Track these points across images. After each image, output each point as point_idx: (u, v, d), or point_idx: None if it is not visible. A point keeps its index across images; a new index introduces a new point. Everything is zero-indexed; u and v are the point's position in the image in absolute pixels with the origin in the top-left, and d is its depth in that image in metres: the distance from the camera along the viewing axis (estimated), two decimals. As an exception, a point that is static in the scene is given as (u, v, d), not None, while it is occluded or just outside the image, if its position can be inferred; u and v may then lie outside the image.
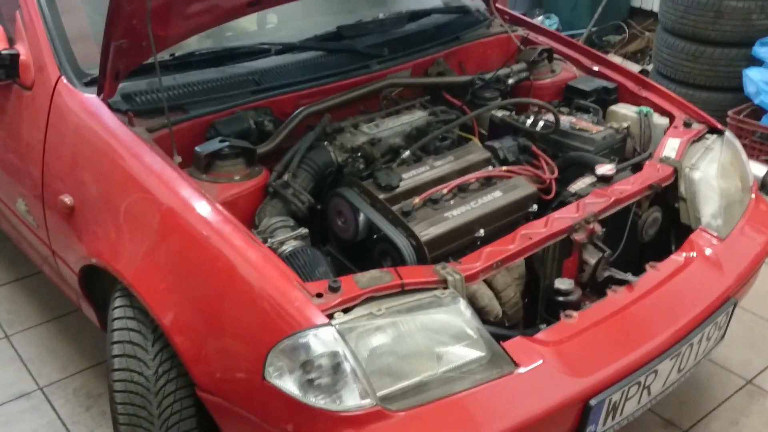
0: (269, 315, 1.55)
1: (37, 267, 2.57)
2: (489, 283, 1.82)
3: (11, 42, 2.16)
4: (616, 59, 4.97)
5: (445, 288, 1.66)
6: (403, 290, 1.62)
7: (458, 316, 1.63)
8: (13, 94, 2.18)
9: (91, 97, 1.99)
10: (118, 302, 1.83)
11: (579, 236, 1.90)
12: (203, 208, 1.70)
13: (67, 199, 1.95)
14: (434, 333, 1.60)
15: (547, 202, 2.12)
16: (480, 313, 1.78)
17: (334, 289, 1.56)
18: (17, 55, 2.11)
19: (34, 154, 2.09)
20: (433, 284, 1.66)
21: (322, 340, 1.49)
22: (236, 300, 1.60)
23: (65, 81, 2.03)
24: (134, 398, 1.75)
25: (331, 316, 1.53)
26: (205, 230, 1.66)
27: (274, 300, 1.54)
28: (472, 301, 1.76)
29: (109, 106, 1.96)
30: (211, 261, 1.64)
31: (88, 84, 2.03)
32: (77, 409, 2.38)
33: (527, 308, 1.95)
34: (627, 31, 5.26)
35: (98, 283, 2.03)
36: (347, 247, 1.97)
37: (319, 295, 1.55)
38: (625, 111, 2.46)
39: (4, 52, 2.09)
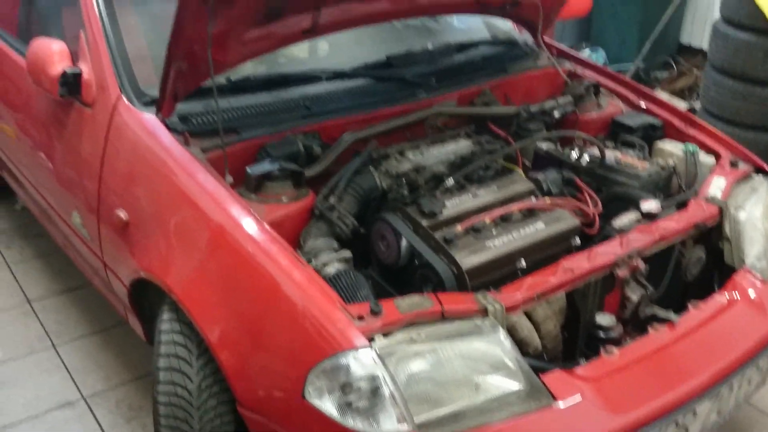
0: (311, 335, 1.58)
1: (87, 279, 2.65)
2: (529, 315, 1.83)
3: (74, 60, 2.25)
4: (664, 95, 4.96)
5: (485, 317, 1.68)
6: (443, 317, 1.64)
7: (497, 345, 1.64)
8: (74, 110, 2.27)
9: (149, 117, 2.06)
10: (166, 316, 1.88)
11: (622, 272, 1.90)
12: (251, 227, 1.74)
13: (122, 214, 2.02)
14: (473, 361, 1.61)
15: (590, 236, 2.13)
16: (519, 345, 1.78)
17: (375, 313, 1.59)
18: (80, 74, 2.20)
19: (92, 169, 2.17)
20: (473, 313, 1.68)
21: (362, 362, 1.52)
22: (280, 318, 1.64)
23: (125, 100, 2.11)
24: (177, 411, 1.80)
25: (371, 339, 1.55)
26: (252, 248, 1.71)
27: (316, 320, 1.58)
28: (512, 332, 1.77)
29: (167, 126, 2.03)
30: (257, 279, 1.68)
31: (147, 104, 2.11)
32: (119, 420, 2.43)
33: (567, 342, 1.95)
34: (675, 67, 5.24)
35: (146, 297, 2.09)
36: (389, 271, 1.99)
37: (361, 318, 1.58)
38: (671, 148, 2.46)
39: (68, 70, 2.18)
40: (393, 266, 1.96)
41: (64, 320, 2.89)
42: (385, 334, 1.57)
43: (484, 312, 1.68)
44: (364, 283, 1.77)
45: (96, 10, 2.24)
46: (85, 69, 2.21)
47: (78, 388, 2.56)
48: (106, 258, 2.20)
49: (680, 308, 1.97)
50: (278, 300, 1.65)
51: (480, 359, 1.62)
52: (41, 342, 2.78)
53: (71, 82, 2.19)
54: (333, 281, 1.73)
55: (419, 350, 1.57)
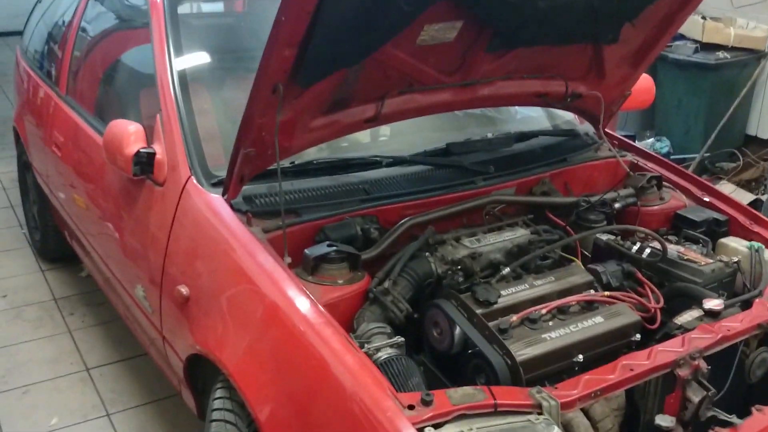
0: (360, 421, 1.56)
1: (144, 349, 2.70)
2: (586, 412, 1.77)
3: (149, 141, 2.37)
4: (729, 187, 4.87)
5: (540, 413, 1.64)
6: (496, 411, 1.61)
7: (551, 443, 1.59)
8: (146, 188, 2.38)
9: (215, 197, 2.14)
10: (218, 393, 1.90)
11: (683, 372, 1.84)
12: (306, 307, 1.77)
13: (184, 290, 2.08)
14: (523, 459, 1.56)
15: (650, 332, 2.07)
16: None
17: (426, 403, 1.57)
18: (153, 154, 2.31)
19: (159, 245, 2.25)
20: (528, 408, 1.64)
21: (411, 453, 1.49)
22: (329, 402, 1.64)
23: (194, 181, 2.20)
24: (225, 491, 1.79)
25: (421, 430, 1.53)
26: (305, 329, 1.73)
27: (366, 406, 1.56)
28: (568, 430, 1.72)
29: (231, 206, 2.10)
30: (309, 360, 1.69)
31: (214, 185, 2.19)
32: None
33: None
34: (741, 158, 5.16)
35: (201, 373, 2.12)
36: (441, 359, 1.97)
37: (411, 407, 1.56)
38: (736, 245, 2.40)
39: (142, 150, 2.29)
40: (446, 354, 1.94)
41: (119, 389, 2.94)
42: (436, 426, 1.55)
43: (539, 408, 1.64)
44: (416, 371, 1.75)
45: (172, 93, 2.37)
46: (159, 150, 2.32)
47: (128, 460, 2.58)
48: (165, 331, 2.25)
49: (743, 412, 1.88)
50: (329, 383, 1.65)
51: (532, 457, 1.57)
52: (96, 410, 2.83)
53: (144, 162, 2.30)
54: (384, 367, 1.73)
55: (470, 445, 1.54)
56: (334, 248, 2.00)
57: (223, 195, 2.11)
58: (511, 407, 1.62)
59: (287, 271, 1.88)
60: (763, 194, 4.70)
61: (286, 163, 2.24)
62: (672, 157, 5.16)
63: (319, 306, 1.79)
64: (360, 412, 1.57)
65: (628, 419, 1.88)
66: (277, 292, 1.83)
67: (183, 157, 2.25)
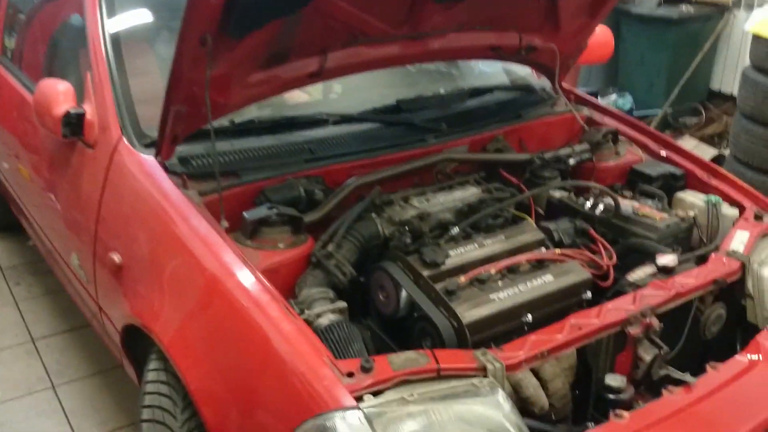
0: (297, 392, 1.49)
1: (87, 320, 2.61)
2: (536, 373, 1.73)
3: (79, 101, 2.24)
4: (692, 142, 4.85)
5: (485, 376, 1.58)
6: (439, 375, 1.55)
7: (496, 408, 1.53)
8: (77, 151, 2.25)
9: (148, 159, 2.03)
10: (152, 365, 1.81)
11: (634, 330, 1.79)
12: (242, 275, 1.68)
13: (116, 257, 1.97)
14: (469, 425, 1.50)
15: (603, 289, 2.02)
16: (524, 404, 1.69)
17: (366, 370, 1.50)
18: (83, 114, 2.18)
19: (91, 211, 2.13)
20: (472, 371, 1.58)
21: (348, 423, 1.42)
22: (266, 373, 1.56)
23: (126, 141, 2.09)
24: (160, 466, 1.72)
25: (360, 399, 1.46)
26: (240, 297, 1.64)
27: (303, 376, 1.49)
28: (516, 390, 1.67)
29: (165, 168, 1.99)
30: (244, 329, 1.61)
31: (147, 145, 2.08)
32: (112, 467, 2.36)
33: (578, 401, 1.83)
34: (704, 113, 5.13)
35: (138, 343, 2.03)
36: (389, 323, 1.90)
37: (350, 375, 1.49)
38: (693, 199, 2.35)
39: (72, 110, 2.16)
40: (392, 318, 1.87)
41: (65, 360, 2.85)
42: (376, 393, 1.48)
43: (484, 371, 1.58)
44: (359, 337, 1.68)
45: (103, 50, 2.23)
46: (89, 110, 2.20)
47: (73, 432, 2.50)
48: (101, 301, 2.15)
49: (699, 370, 1.84)
50: (265, 353, 1.57)
51: (477, 422, 1.51)
52: (41, 382, 2.73)
53: (74, 123, 2.18)
54: (324, 334, 1.65)
55: (411, 411, 1.47)
56: (275, 211, 1.91)
57: (156, 156, 2.00)
58: (454, 371, 1.56)
59: (223, 236, 1.78)
60: (725, 149, 4.67)
61: (224, 121, 2.13)
62: (635, 113, 5.11)
63: (256, 271, 1.70)
64: (297, 382, 1.50)
65: (581, 379, 1.83)
66: (212, 258, 1.73)
67: (114, 117, 2.12)
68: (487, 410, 1.53)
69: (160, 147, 1.97)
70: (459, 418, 1.50)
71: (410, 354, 1.57)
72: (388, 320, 1.90)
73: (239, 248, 1.79)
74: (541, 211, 2.35)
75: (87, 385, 2.72)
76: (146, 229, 1.94)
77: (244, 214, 1.91)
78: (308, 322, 1.67)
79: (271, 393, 1.53)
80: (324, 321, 1.70)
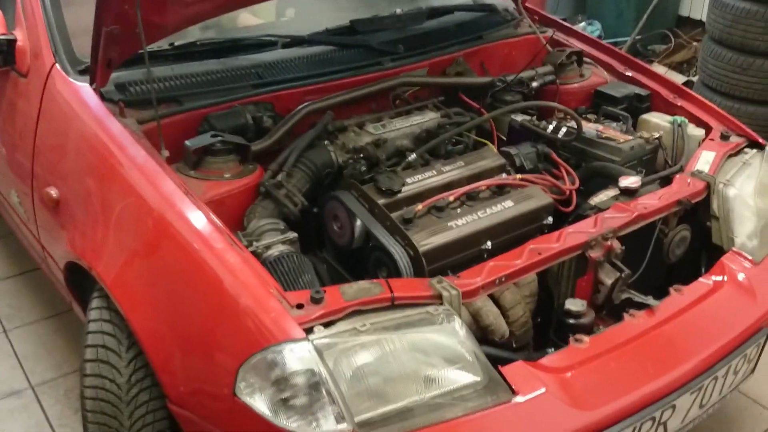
0: (244, 325, 1.42)
1: (36, 262, 2.50)
2: (496, 300, 1.67)
3: (10, 28, 2.08)
4: (661, 69, 4.76)
5: (440, 304, 1.52)
6: (393, 305, 1.48)
7: (452, 336, 1.48)
8: (10, 81, 2.11)
9: (83, 86, 1.90)
10: (95, 303, 1.73)
11: (595, 254, 1.73)
12: (183, 206, 1.58)
13: (53, 192, 1.86)
14: (424, 354, 1.45)
15: (566, 215, 1.96)
16: (484, 332, 1.64)
17: (316, 300, 1.43)
18: (14, 41, 2.03)
19: (26, 144, 2.01)
20: (427, 299, 1.52)
21: (298, 356, 1.36)
22: (211, 308, 1.48)
23: (59, 68, 1.95)
24: (105, 407, 1.65)
25: (309, 330, 1.39)
26: (183, 230, 1.55)
27: (249, 309, 1.41)
28: (476, 319, 1.62)
29: (101, 96, 1.86)
30: (188, 264, 1.52)
31: (82, 72, 1.94)
32: (66, 411, 2.29)
33: (541, 328, 1.79)
34: (673, 40, 5.03)
35: (84, 281, 1.93)
36: (344, 254, 1.83)
37: (300, 306, 1.42)
38: (658, 120, 2.29)
39: (1, 37, 2.01)
40: (347, 249, 1.80)
41: (17, 304, 2.75)
42: (327, 324, 1.41)
43: (439, 299, 1.52)
44: (310, 268, 1.60)
45: (32, -28, 2.06)
46: (21, 36, 2.05)
47: (26, 377, 2.42)
48: (42, 239, 2.05)
49: (663, 293, 1.80)
50: (209, 287, 1.48)
51: (432, 351, 1.46)
52: (-8, 328, 2.64)
53: (5, 51, 2.04)
54: (273, 266, 1.57)
55: (364, 342, 1.41)
56: (219, 138, 1.80)
57: (91, 83, 1.87)
58: (409, 300, 1.50)
59: (163, 166, 1.68)
60: (694, 76, 4.60)
61: (163, 44, 1.99)
62: (604, 41, 5.00)
63: (199, 202, 1.61)
64: (243, 315, 1.42)
65: (543, 305, 1.79)
66: (151, 190, 1.63)
67: (46, 42, 1.98)
68: (442, 338, 1.48)
69: (94, 73, 1.84)
70: (413, 348, 1.44)
71: (363, 284, 1.51)
72: (344, 251, 1.82)
73: (181, 179, 1.69)
74: (503, 136, 2.26)
75: (40, 328, 2.63)
76: (82, 162, 1.82)
77: (187, 142, 1.80)
78: (256, 255, 1.59)
79: (218, 328, 1.46)
80: (273, 252, 1.62)
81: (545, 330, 1.81)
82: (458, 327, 1.49)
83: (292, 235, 1.67)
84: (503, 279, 1.61)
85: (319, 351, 1.37)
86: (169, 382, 1.53)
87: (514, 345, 1.74)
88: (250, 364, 1.38)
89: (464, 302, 1.55)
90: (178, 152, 1.80)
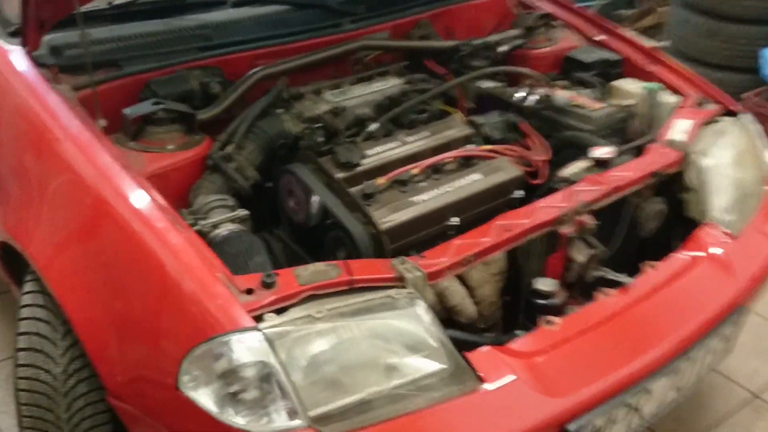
0: (187, 313, 1.29)
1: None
2: (463, 279, 1.57)
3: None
4: (628, 34, 4.67)
5: (403, 287, 1.41)
6: (351, 288, 1.37)
7: (415, 321, 1.38)
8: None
9: (14, 49, 1.73)
10: (28, 287, 1.58)
11: (566, 230, 1.64)
12: (120, 180, 1.44)
13: (-19, 164, 1.70)
14: (384, 341, 1.34)
15: (537, 187, 1.86)
16: (450, 313, 1.54)
17: (267, 285, 1.31)
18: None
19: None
20: (389, 282, 1.41)
21: (247, 346, 1.24)
22: (152, 294, 1.35)
23: (-13, 30, 1.77)
24: (40, 399, 1.51)
25: (260, 318, 1.27)
26: (120, 208, 1.41)
27: (194, 295, 1.29)
28: (441, 300, 1.52)
29: (33, 60, 1.70)
30: (126, 245, 1.39)
31: (13, 34, 1.78)
32: (7, 398, 2.14)
33: (510, 307, 1.70)
34: (640, 4, 4.94)
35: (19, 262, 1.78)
36: (301, 232, 1.71)
37: (249, 292, 1.30)
38: (631, 87, 2.18)
39: None
40: (304, 226, 1.67)
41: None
42: (280, 311, 1.30)
43: (402, 281, 1.41)
44: (261, 249, 1.48)
45: None
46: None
47: (-35, 362, 2.27)
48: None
49: (636, 269, 1.72)
50: (150, 271, 1.35)
51: (393, 338, 1.35)
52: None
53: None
54: (221, 247, 1.44)
55: (319, 329, 1.30)
56: (162, 106, 1.65)
57: (22, 46, 1.70)
58: (369, 283, 1.39)
59: (98, 137, 1.53)
60: (667, 42, 4.52)
61: (101, 3, 1.82)
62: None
63: (138, 177, 1.46)
64: (187, 302, 1.29)
65: (512, 283, 1.69)
66: (85, 163, 1.48)
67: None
68: (404, 324, 1.37)
69: (25, 35, 1.67)
70: (373, 334, 1.34)
71: (319, 266, 1.39)
72: (301, 229, 1.70)
73: (119, 151, 1.54)
74: (471, 104, 2.15)
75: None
76: (11, 131, 1.66)
77: (125, 110, 1.65)
78: (202, 234, 1.47)
79: (159, 316, 1.33)
80: (221, 232, 1.49)
81: (514, 309, 1.72)
82: (422, 311, 1.39)
83: (243, 212, 1.53)
84: (471, 258, 1.51)
85: (271, 341, 1.25)
86: (108, 373, 1.40)
87: (482, 326, 1.65)
88: (195, 356, 1.26)
89: (429, 284, 1.44)
90: (118, 121, 1.65)
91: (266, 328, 1.26)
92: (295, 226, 1.70)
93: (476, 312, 1.61)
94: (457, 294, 1.56)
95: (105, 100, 1.64)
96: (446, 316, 1.54)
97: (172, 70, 1.80)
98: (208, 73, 1.83)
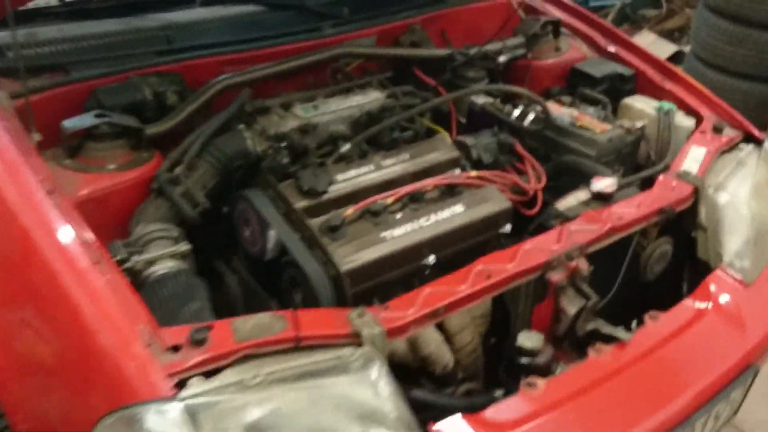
0: (102, 373, 1.11)
1: None
2: (439, 324, 1.38)
3: None
4: (650, 37, 4.44)
5: (359, 345, 1.21)
6: (298, 346, 1.18)
7: (370, 387, 1.18)
8: None
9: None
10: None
11: (556, 276, 1.44)
12: (40, 207, 1.25)
13: None
14: (331, 412, 1.15)
15: (528, 220, 1.66)
16: (423, 363, 1.37)
17: (197, 342, 1.12)
18: None
19: None
20: (343, 338, 1.21)
21: (164, 420, 1.05)
22: (64, 348, 1.16)
23: None
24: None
25: (184, 383, 1.09)
26: (37, 241, 1.22)
27: (109, 352, 1.10)
28: (414, 347, 1.35)
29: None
30: (38, 285, 1.20)
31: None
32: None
33: (495, 351, 1.52)
34: (665, 5, 4.69)
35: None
36: (259, 265, 1.52)
37: (176, 349, 1.11)
38: (642, 106, 1.99)
39: None
40: (262, 259, 1.48)
41: None
42: (210, 374, 1.11)
43: (358, 338, 1.22)
44: (201, 292, 1.29)
45: None
46: None
47: None
48: None
49: (640, 313, 1.52)
50: (63, 320, 1.16)
51: (342, 408, 1.16)
52: None
53: None
54: (154, 288, 1.26)
55: (254, 399, 1.11)
56: (106, 119, 1.47)
57: (-47, 46, 1.53)
58: (320, 339, 1.20)
59: (28, 153, 1.34)
60: (685, 45, 4.28)
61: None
62: (591, 3, 4.68)
63: (66, 202, 1.28)
64: (103, 358, 1.11)
65: (498, 325, 1.50)
66: (6, 183, 1.29)
67: None
68: (357, 391, 1.18)
69: (-44, 33, 1.50)
70: (318, 405, 1.15)
71: (263, 318, 1.20)
72: (259, 264, 1.51)
73: (51, 170, 1.36)
74: (462, 119, 1.94)
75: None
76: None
77: (64, 123, 1.47)
78: (134, 273, 1.29)
79: (67, 373, 1.15)
80: (157, 270, 1.30)
81: (501, 353, 1.52)
82: (378, 375, 1.19)
83: (184, 247, 1.35)
84: (443, 310, 1.31)
85: (193, 413, 1.06)
86: (20, 422, 1.22)
87: (459, 376, 1.46)
88: (106, 425, 1.07)
89: (390, 342, 1.25)
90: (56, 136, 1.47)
91: (189, 397, 1.07)
92: (252, 258, 1.52)
93: (453, 361, 1.43)
94: (431, 341, 1.38)
95: (49, 110, 1.48)
96: (419, 365, 1.36)
97: (125, 76, 1.61)
98: (165, 81, 1.64)
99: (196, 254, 1.42)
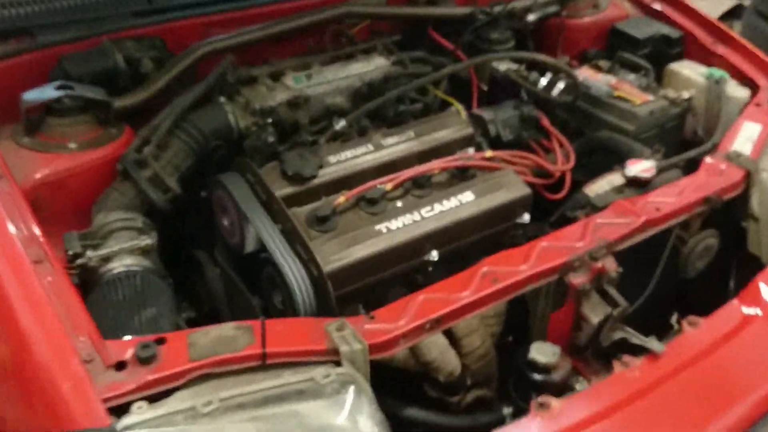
0: (38, 391, 0.97)
1: None
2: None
3: None
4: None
5: (337, 363, 1.04)
6: (264, 365, 1.01)
7: (344, 417, 1.01)
8: None
9: None
10: None
11: (577, 279, 1.24)
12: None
13: None
14: (299, 445, 0.99)
15: (554, 204, 1.47)
16: (426, 370, 1.22)
17: (143, 360, 0.97)
18: None
19: None
20: (318, 356, 1.04)
21: (99, 452, 0.91)
22: (8, 350, 1.03)
23: None
24: None
25: (125, 408, 0.93)
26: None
27: (44, 369, 0.96)
28: (415, 353, 1.19)
29: None
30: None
31: None
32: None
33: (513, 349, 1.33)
34: None
35: None
36: (240, 258, 1.35)
37: (120, 366, 0.96)
38: (690, 73, 1.79)
39: None
40: (241, 252, 1.32)
41: None
42: (155, 398, 0.96)
43: (335, 355, 1.04)
44: (160, 294, 1.14)
45: None
46: None
47: None
48: None
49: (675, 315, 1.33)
50: (2, 322, 1.03)
51: (313, 439, 1.00)
52: None
53: None
54: (106, 290, 1.10)
55: (206, 430, 0.95)
56: (68, 91, 1.30)
57: None
58: (290, 357, 1.03)
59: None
60: (746, -2, 3.92)
61: (12, -45, 1.47)
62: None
63: (14, 189, 1.14)
64: (39, 375, 0.97)
65: (516, 319, 1.33)
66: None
67: None
68: (329, 420, 1.01)
69: None
70: (284, 435, 0.98)
71: (226, 330, 1.04)
72: (240, 253, 1.35)
73: (5, 149, 1.23)
74: (484, 87, 1.73)
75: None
76: None
77: (23, 96, 1.31)
78: (89, 270, 1.13)
79: (18, 387, 1.02)
80: (114, 268, 1.15)
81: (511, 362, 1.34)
82: (356, 402, 1.02)
83: (146, 241, 1.19)
84: (439, 321, 1.13)
85: (133, 448, 0.91)
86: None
87: (467, 383, 1.29)
88: (37, 457, 0.94)
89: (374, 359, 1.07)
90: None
91: (129, 427, 0.92)
92: (231, 249, 1.35)
93: (460, 367, 1.26)
94: (434, 347, 1.22)
95: (12, 80, 1.33)
96: (422, 370, 1.22)
97: (97, 41, 1.44)
98: (144, 46, 1.47)
99: (174, 243, 1.27)
